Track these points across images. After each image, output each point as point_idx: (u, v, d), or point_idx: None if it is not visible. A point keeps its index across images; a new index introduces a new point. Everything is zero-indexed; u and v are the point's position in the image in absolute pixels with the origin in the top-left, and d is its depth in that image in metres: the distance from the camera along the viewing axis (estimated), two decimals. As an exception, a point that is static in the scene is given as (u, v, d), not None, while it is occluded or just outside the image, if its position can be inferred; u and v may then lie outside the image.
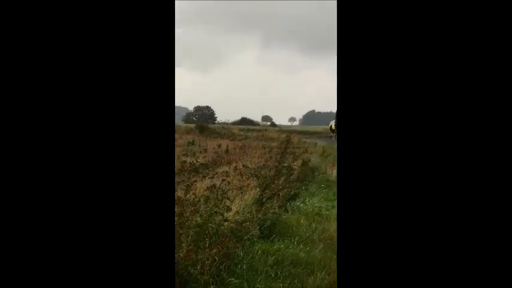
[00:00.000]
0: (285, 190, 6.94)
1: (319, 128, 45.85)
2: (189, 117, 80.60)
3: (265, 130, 31.72)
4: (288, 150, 8.56)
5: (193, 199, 4.07)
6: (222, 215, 4.18)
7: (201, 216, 3.97)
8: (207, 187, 4.55)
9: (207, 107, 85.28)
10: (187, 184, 4.12)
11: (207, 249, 3.74)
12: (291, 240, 4.86)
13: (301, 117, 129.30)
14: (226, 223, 4.32)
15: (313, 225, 5.60)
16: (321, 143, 18.79)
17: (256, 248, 4.42)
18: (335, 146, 17.71)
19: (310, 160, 10.68)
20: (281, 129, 38.27)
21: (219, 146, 18.64)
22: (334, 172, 10.06)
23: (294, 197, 7.16)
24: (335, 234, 5.19)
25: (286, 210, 6.27)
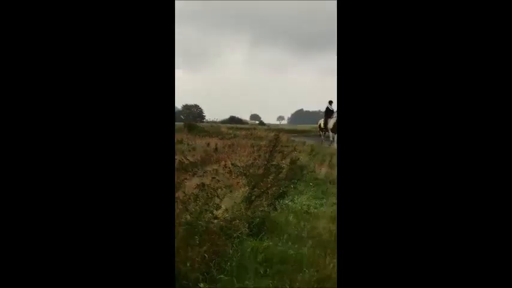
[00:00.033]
0: (274, 188, 6.97)
1: (307, 126, 45.93)
2: (177, 115, 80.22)
3: (254, 129, 31.70)
4: (276, 149, 8.58)
5: (183, 197, 4.09)
6: (212, 213, 4.21)
7: (190, 214, 4.00)
8: (197, 185, 4.57)
9: (196, 106, 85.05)
10: (177, 182, 4.14)
11: (196, 247, 3.76)
12: (279, 238, 4.90)
13: (289, 116, 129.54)
14: (215, 221, 4.35)
15: (302, 223, 5.64)
16: (309, 141, 18.84)
17: (246, 245, 4.45)
18: (323, 144, 17.76)
19: (298, 159, 10.70)
20: (269, 128, 38.25)
21: (208, 144, 18.59)
22: (323, 170, 10.11)
23: (282, 195, 7.20)
24: (323, 232, 5.25)
25: (275, 208, 6.30)
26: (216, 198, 4.44)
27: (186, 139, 21.41)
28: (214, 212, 4.29)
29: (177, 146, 18.82)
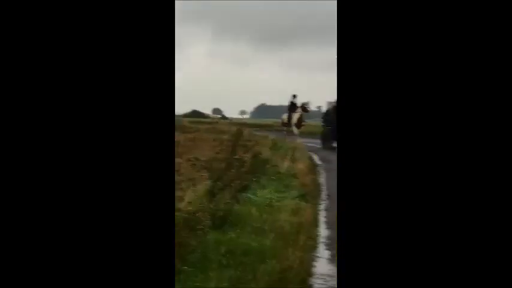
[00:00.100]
0: (237, 182, 7.03)
1: (270, 121, 46.11)
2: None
3: (216, 123, 31.61)
4: (239, 143, 8.66)
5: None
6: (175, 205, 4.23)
7: (154, 206, 4.00)
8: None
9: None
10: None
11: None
12: (242, 230, 4.96)
13: (252, 110, 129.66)
14: (178, 213, 4.37)
15: (264, 215, 5.72)
16: (272, 136, 18.96)
17: (209, 237, 4.49)
18: (286, 139, 17.90)
19: (261, 153, 10.80)
20: (232, 122, 38.24)
21: (170, 138, 18.43)
22: (285, 164, 10.22)
23: (245, 189, 7.25)
24: (285, 225, 5.34)
25: (238, 202, 6.36)
26: (179, 190, 4.46)
27: (148, 133, 21.12)
28: (177, 204, 4.31)
29: (139, 140, 18.50)
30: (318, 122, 24.64)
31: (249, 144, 12.01)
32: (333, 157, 14.83)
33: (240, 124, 24.66)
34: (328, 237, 5.51)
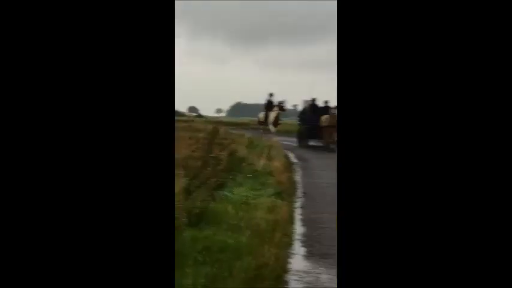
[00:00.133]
0: (213, 180, 7.03)
1: (246, 119, 46.14)
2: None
3: (192, 121, 31.45)
4: (215, 141, 8.65)
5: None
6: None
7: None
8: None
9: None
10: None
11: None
12: (218, 228, 4.99)
13: (228, 108, 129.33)
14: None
15: (240, 213, 5.75)
16: (248, 134, 18.98)
17: (185, 235, 4.50)
18: (262, 137, 17.93)
19: (237, 151, 10.81)
20: (208, 120, 38.11)
21: (145, 136, 18.29)
22: (261, 162, 10.27)
23: (221, 187, 7.27)
24: (261, 222, 5.39)
25: (214, 199, 6.37)
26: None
27: (123, 131, 20.94)
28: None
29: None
30: (294, 121, 24.76)
31: (225, 142, 11.97)
32: (309, 155, 14.97)
33: (216, 122, 24.58)
34: (304, 235, 5.58)
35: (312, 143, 18.01)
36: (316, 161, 13.68)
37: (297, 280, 4.09)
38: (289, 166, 11.67)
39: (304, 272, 4.30)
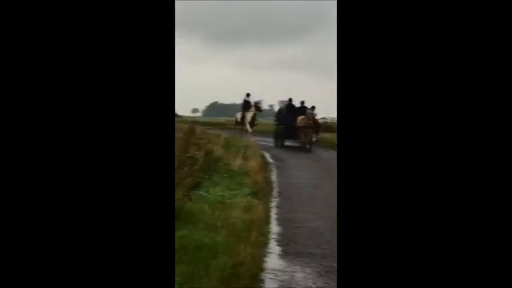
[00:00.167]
0: (189, 179, 7.04)
1: (222, 119, 46.03)
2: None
3: (168, 120, 31.20)
4: (191, 141, 8.66)
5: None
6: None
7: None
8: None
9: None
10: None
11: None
12: (195, 227, 5.00)
13: (204, 108, 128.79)
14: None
15: (217, 212, 5.77)
16: (224, 134, 18.97)
17: (161, 234, 4.51)
18: (239, 137, 17.93)
19: (213, 151, 10.82)
20: (184, 119, 37.96)
21: (121, 135, 18.13)
22: (237, 162, 10.29)
23: (197, 186, 7.27)
24: (237, 221, 5.42)
25: (190, 199, 6.37)
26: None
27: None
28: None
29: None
30: (270, 121, 24.81)
31: (201, 142, 11.98)
32: (285, 155, 15.05)
33: (192, 122, 24.49)
34: (279, 234, 5.63)
35: (288, 143, 18.09)
36: (292, 161, 13.77)
37: (273, 279, 4.13)
38: (265, 166, 11.73)
39: (280, 270, 4.35)
